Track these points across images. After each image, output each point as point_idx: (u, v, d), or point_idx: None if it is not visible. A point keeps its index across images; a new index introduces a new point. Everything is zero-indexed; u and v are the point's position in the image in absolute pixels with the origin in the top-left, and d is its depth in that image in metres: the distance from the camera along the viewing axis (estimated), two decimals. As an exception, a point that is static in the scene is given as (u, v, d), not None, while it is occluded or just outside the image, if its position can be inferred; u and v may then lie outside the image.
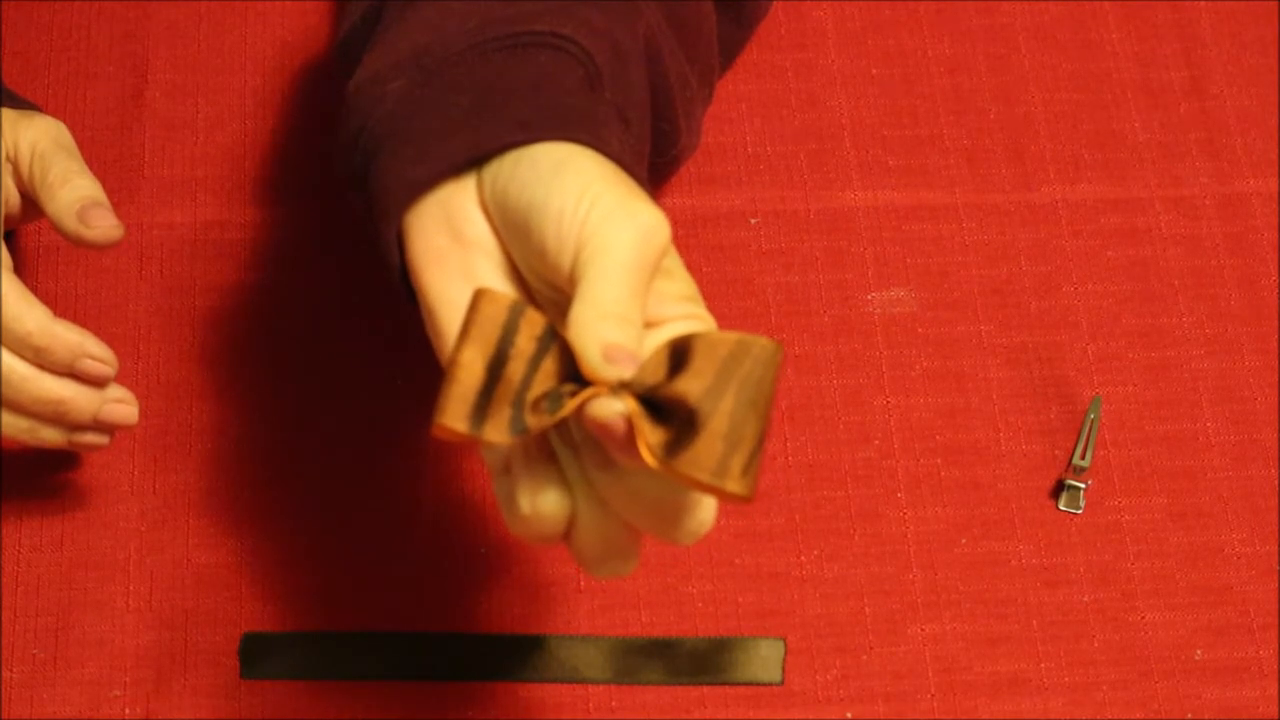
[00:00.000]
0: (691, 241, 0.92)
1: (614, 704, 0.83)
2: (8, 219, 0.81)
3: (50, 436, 0.79)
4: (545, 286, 0.68)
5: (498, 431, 0.63)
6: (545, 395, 0.63)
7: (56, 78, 0.95)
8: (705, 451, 0.61)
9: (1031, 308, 0.92)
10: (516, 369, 0.63)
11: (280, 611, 0.84)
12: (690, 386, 0.62)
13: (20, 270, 0.88)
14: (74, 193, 0.79)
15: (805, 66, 0.98)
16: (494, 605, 0.84)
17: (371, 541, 0.85)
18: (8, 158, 0.80)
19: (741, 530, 0.86)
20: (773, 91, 0.97)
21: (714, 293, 0.91)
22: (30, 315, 0.77)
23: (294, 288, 0.91)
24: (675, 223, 0.67)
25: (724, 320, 0.68)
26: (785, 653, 0.84)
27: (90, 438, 0.80)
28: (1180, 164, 0.97)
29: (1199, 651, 0.85)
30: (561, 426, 0.66)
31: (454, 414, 0.63)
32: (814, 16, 0.99)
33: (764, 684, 0.84)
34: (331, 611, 0.84)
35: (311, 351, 0.89)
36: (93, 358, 0.78)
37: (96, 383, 0.79)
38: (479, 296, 0.64)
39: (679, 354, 0.63)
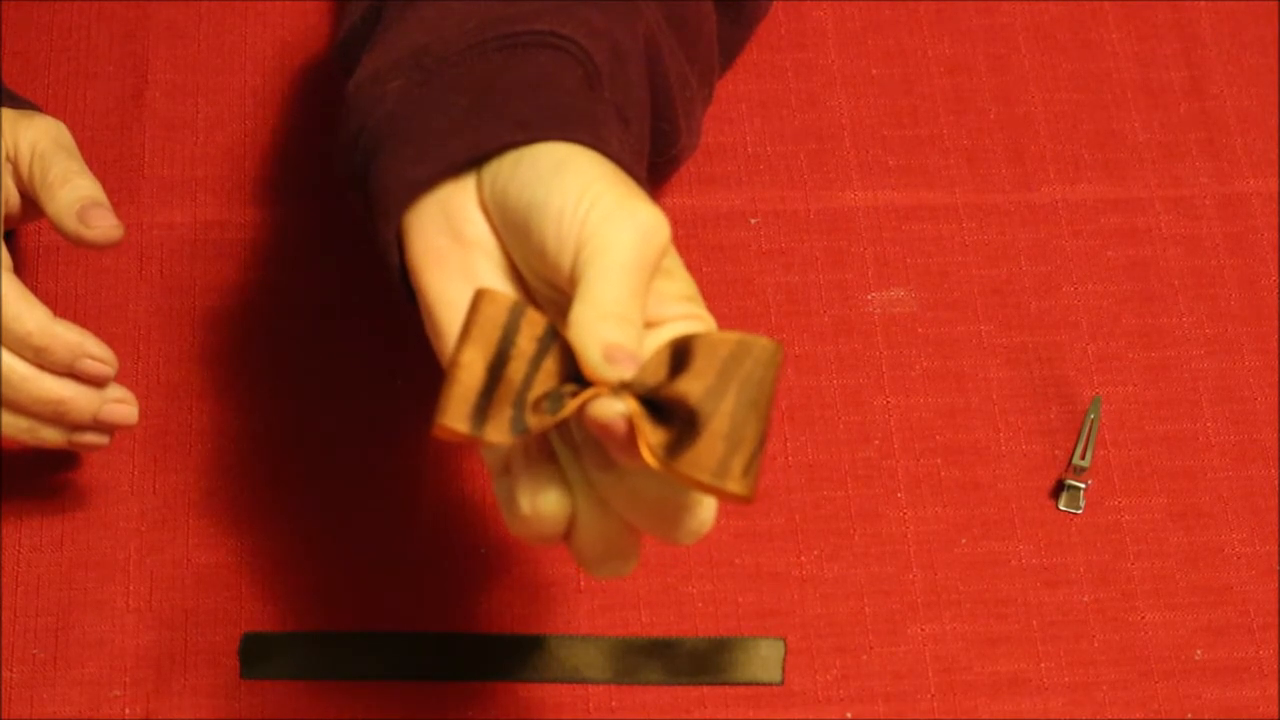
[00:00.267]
0: (691, 241, 0.92)
1: (614, 704, 0.83)
2: (8, 219, 0.81)
3: (50, 436, 0.79)
4: (545, 286, 0.68)
5: (499, 432, 0.63)
6: (546, 395, 0.63)
7: (56, 78, 0.95)
8: (706, 452, 0.61)
9: (1031, 308, 0.92)
10: (517, 369, 0.63)
11: (280, 611, 0.84)
12: (691, 387, 0.62)
13: (20, 270, 0.88)
14: (74, 193, 0.79)
15: (805, 66, 0.98)
16: (494, 605, 0.84)
17: (371, 541, 0.85)
18: (8, 158, 0.80)
19: (741, 530, 0.86)
20: (773, 91, 0.97)
21: (714, 293, 0.91)
22: (30, 315, 0.77)
23: (294, 288, 0.91)
24: (675, 223, 0.67)
25: (724, 320, 0.68)
26: (785, 653, 0.84)
27: (90, 438, 0.80)
28: (1180, 164, 0.97)
29: (1199, 651, 0.85)
30: (562, 427, 0.66)
31: (455, 414, 0.63)
32: (814, 16, 0.99)
33: (764, 684, 0.84)
34: (331, 611, 0.84)
35: (311, 351, 0.89)
36: (93, 358, 0.78)
37: (96, 383, 0.79)
38: (479, 297, 0.64)
39: (680, 354, 0.63)
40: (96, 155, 0.92)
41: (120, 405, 0.79)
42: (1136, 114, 0.98)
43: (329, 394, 0.88)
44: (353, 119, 0.73)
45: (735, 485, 0.62)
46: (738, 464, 0.62)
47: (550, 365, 0.63)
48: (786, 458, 0.88)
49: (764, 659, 0.84)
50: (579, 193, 0.65)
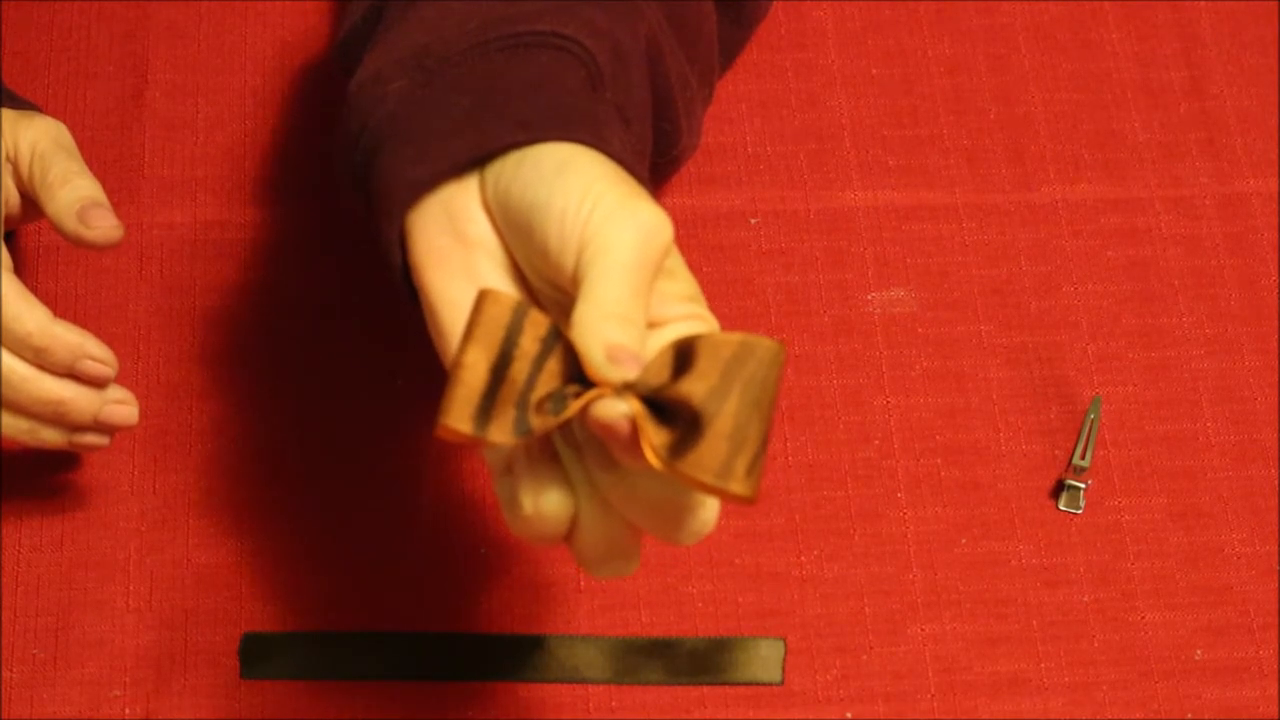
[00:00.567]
0: (691, 241, 0.92)
1: (614, 704, 0.83)
2: (8, 219, 0.81)
3: (50, 437, 0.79)
4: (548, 287, 0.68)
5: (502, 432, 0.63)
6: (549, 396, 0.63)
7: (56, 78, 0.95)
8: (709, 453, 0.61)
9: (1031, 308, 0.93)
10: (520, 370, 0.63)
11: (280, 611, 0.84)
12: (694, 388, 0.62)
13: (20, 270, 0.88)
14: (74, 193, 0.79)
15: (805, 66, 0.98)
16: (494, 605, 0.84)
17: (371, 541, 0.85)
18: (8, 158, 0.80)
19: (741, 530, 0.86)
20: (773, 91, 0.97)
21: (714, 293, 0.91)
22: (30, 316, 0.77)
23: (294, 288, 0.91)
24: (675, 223, 0.66)
25: (724, 320, 0.68)
26: (785, 653, 0.84)
27: (90, 438, 0.80)
28: (1180, 164, 0.97)
29: (1199, 651, 0.85)
30: (564, 427, 0.66)
31: (458, 415, 0.63)
32: (814, 16, 0.99)
33: (764, 684, 0.84)
34: (331, 611, 0.84)
35: (311, 351, 0.89)
36: (93, 358, 0.78)
37: (97, 383, 0.79)
38: (483, 297, 0.64)
39: (683, 355, 0.63)
40: (96, 155, 0.92)
41: (120, 406, 0.79)
42: (1136, 114, 0.98)
43: (329, 394, 0.88)
44: (354, 119, 0.73)
45: (738, 486, 0.62)
46: (741, 465, 0.62)
47: (553, 366, 0.63)
48: (786, 458, 0.88)
49: (764, 659, 0.84)
50: (581, 193, 0.65)
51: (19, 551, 0.84)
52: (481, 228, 0.69)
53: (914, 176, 0.95)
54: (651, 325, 0.65)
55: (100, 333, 0.81)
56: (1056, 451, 0.89)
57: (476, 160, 0.68)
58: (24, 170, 0.80)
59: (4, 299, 0.76)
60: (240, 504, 0.86)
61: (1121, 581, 0.87)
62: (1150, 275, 0.94)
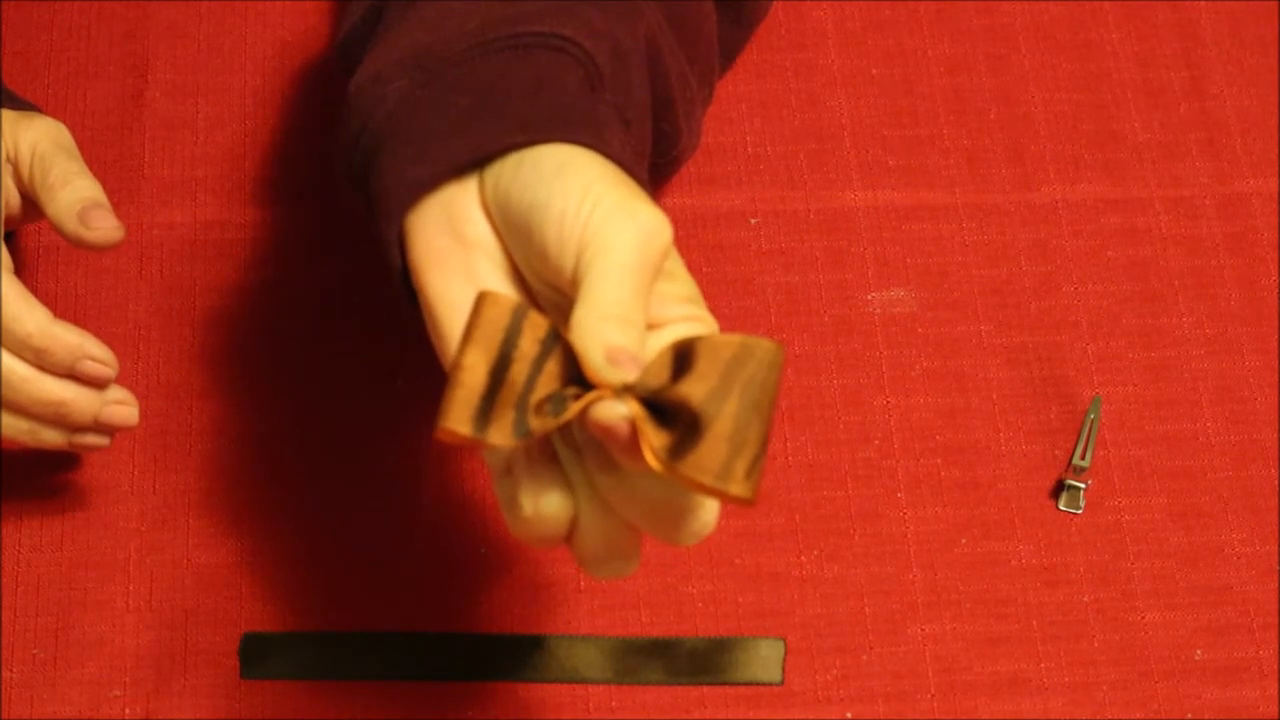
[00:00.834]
0: (691, 241, 0.92)
1: (614, 704, 0.83)
2: (8, 220, 0.81)
3: (51, 438, 0.79)
4: (547, 288, 0.68)
5: (501, 435, 0.63)
6: (548, 398, 0.63)
7: (56, 78, 0.95)
8: (709, 454, 0.61)
9: (1031, 308, 0.93)
10: (520, 372, 0.63)
11: (280, 611, 0.84)
12: (694, 389, 0.62)
13: (20, 270, 0.88)
14: (74, 194, 0.79)
15: (805, 66, 0.98)
16: (494, 605, 0.84)
17: (371, 541, 0.85)
18: (8, 159, 0.80)
19: (741, 530, 0.86)
20: (773, 91, 0.97)
21: (714, 293, 0.91)
22: (30, 316, 0.77)
23: (294, 288, 0.91)
24: (675, 223, 0.66)
25: (724, 320, 0.68)
26: (785, 653, 0.84)
27: (91, 439, 0.80)
28: (1180, 164, 0.97)
29: (1199, 651, 0.85)
30: (564, 428, 0.66)
31: (458, 417, 0.63)
32: (814, 16, 0.99)
33: (764, 684, 0.84)
34: (331, 611, 0.84)
35: (311, 351, 0.89)
36: (93, 359, 0.78)
37: (97, 384, 0.79)
38: (482, 299, 0.64)
39: (682, 357, 0.63)
40: (96, 155, 0.92)
41: (121, 407, 0.79)
42: (1136, 114, 0.98)
43: (329, 394, 0.88)
44: (354, 119, 0.73)
45: (738, 488, 0.62)
46: (740, 466, 0.62)
47: (552, 367, 0.63)
48: (786, 458, 0.88)
49: (764, 659, 0.84)
50: (580, 194, 0.65)
51: (19, 551, 0.84)
52: (481, 229, 0.68)
53: (914, 176, 0.95)
54: (651, 327, 0.65)
55: (100, 333, 0.81)
56: (1056, 451, 0.89)
57: (476, 161, 0.68)
58: (24, 171, 0.80)
59: (4, 300, 0.76)
60: (240, 504, 0.86)
61: (1121, 581, 0.87)
62: (1150, 275, 0.94)
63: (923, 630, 0.85)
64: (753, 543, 0.86)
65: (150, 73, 0.95)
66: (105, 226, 0.78)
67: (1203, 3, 1.01)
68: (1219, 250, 0.95)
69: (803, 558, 0.86)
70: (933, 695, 0.84)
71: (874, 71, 0.98)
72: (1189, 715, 0.84)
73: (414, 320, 0.70)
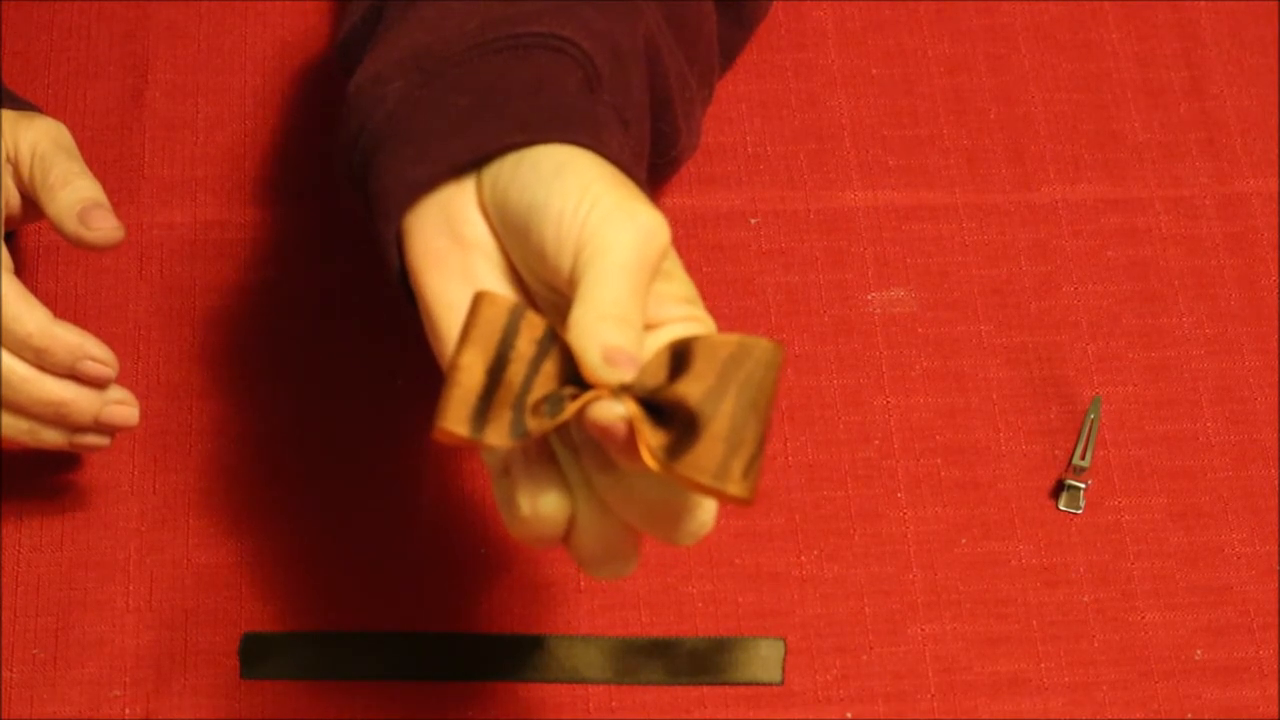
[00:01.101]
0: (691, 241, 0.92)
1: (614, 704, 0.83)
2: (8, 220, 0.81)
3: (51, 438, 0.79)
4: (545, 289, 0.68)
5: (498, 435, 0.63)
6: (546, 398, 0.63)
7: (56, 78, 0.95)
8: (706, 454, 0.61)
9: (1031, 308, 0.93)
10: (517, 372, 0.63)
11: (280, 611, 0.84)
12: (691, 389, 0.62)
13: (20, 270, 0.88)
14: (75, 194, 0.79)
15: (805, 66, 0.98)
16: (494, 605, 0.84)
17: (371, 541, 0.85)
18: (8, 159, 0.80)
19: (741, 530, 0.86)
20: (773, 91, 0.97)
21: (714, 293, 0.91)
22: (30, 316, 0.77)
23: (294, 288, 0.91)
24: (675, 223, 0.67)
25: (724, 320, 0.68)
26: (785, 653, 0.84)
27: (91, 439, 0.80)
28: (1180, 164, 0.97)
29: (1199, 651, 0.85)
30: (562, 428, 0.66)
31: (455, 417, 0.63)
32: (814, 16, 0.99)
33: (764, 684, 0.84)
34: (331, 611, 0.84)
35: (311, 351, 0.89)
36: (93, 359, 0.78)
37: (97, 384, 0.79)
38: (479, 299, 0.64)
39: (679, 356, 0.63)
40: (96, 155, 0.92)
41: (121, 407, 0.79)
42: (1136, 114, 0.98)
43: (329, 394, 0.88)
44: (353, 119, 0.73)
45: (735, 488, 0.62)
46: (738, 466, 0.62)
47: (550, 368, 0.63)
48: (786, 458, 0.88)
49: (764, 659, 0.84)
50: (579, 195, 0.65)
51: (19, 551, 0.84)
52: (479, 229, 0.69)
53: (914, 176, 0.95)
54: (648, 327, 0.65)
55: (100, 333, 0.81)
56: (1056, 451, 0.89)
57: (475, 161, 0.68)
58: (24, 171, 0.80)
59: (4, 300, 0.76)
60: (240, 504, 0.86)
61: (1121, 581, 0.87)
62: (1150, 275, 0.94)
63: (923, 630, 0.85)
64: (753, 543, 0.86)
65: (150, 73, 0.95)
66: (105, 226, 0.78)
67: (1203, 3, 1.01)
68: (1219, 250, 0.95)
69: (803, 558, 0.86)
70: (933, 695, 0.84)
71: (874, 71, 0.98)
72: (1189, 715, 0.84)
73: (413, 320, 0.70)
